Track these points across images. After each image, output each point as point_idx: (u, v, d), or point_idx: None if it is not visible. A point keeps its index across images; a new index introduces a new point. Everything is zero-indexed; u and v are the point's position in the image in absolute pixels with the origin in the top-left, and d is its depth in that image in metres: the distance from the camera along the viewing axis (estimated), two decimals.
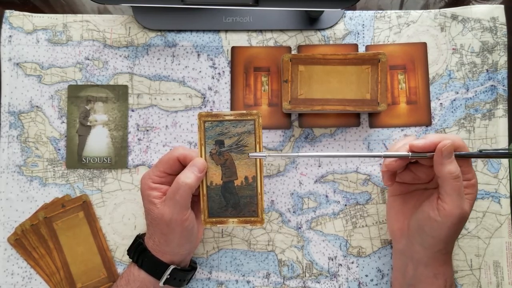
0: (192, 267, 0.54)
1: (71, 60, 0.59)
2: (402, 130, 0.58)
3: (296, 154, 0.49)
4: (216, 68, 0.59)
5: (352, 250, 0.57)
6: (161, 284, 0.50)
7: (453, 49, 0.58)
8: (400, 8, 0.61)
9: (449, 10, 0.59)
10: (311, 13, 0.57)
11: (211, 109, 0.59)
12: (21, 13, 0.59)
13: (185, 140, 0.58)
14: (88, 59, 0.59)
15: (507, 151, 0.48)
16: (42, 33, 0.59)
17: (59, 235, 0.57)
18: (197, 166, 0.48)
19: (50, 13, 0.60)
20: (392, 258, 0.55)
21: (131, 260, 0.52)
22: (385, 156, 0.48)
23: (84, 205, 0.57)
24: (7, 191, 0.57)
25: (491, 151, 0.48)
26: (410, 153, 0.48)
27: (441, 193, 0.46)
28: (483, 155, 0.47)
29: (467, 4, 0.60)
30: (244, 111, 0.49)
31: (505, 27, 0.58)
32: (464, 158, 0.47)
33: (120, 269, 0.57)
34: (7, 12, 0.59)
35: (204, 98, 0.59)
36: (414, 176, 0.51)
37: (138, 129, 0.58)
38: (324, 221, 0.57)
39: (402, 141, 0.52)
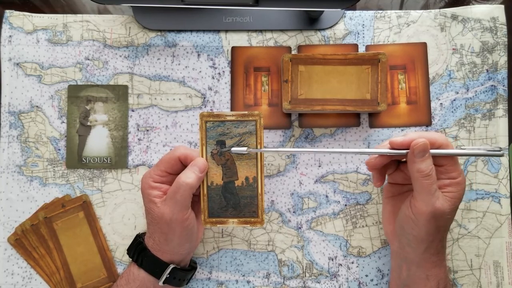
0: (192, 267, 0.54)
1: (71, 60, 0.59)
2: (402, 130, 0.58)
3: (280, 149, 0.49)
4: (216, 68, 0.59)
5: (352, 250, 0.57)
6: (160, 283, 0.50)
7: (453, 49, 0.58)
8: (400, 8, 0.61)
9: (449, 10, 0.59)
10: (311, 13, 0.57)
11: (211, 109, 0.59)
12: (21, 13, 0.59)
13: (185, 140, 0.58)
14: (88, 59, 0.59)
15: (484, 149, 0.47)
16: (42, 33, 0.59)
17: (59, 235, 0.57)
18: (198, 166, 0.48)
19: (50, 13, 0.60)
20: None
21: (131, 259, 0.52)
22: (363, 153, 0.48)
23: (84, 205, 0.57)
24: (7, 191, 0.57)
25: (468, 148, 0.47)
26: (387, 150, 0.48)
27: (413, 191, 0.47)
28: (458, 153, 0.46)
29: (467, 4, 0.60)
30: (246, 112, 0.48)
31: (505, 27, 0.58)
32: (448, 156, 0.46)
33: (120, 269, 0.57)
34: (7, 12, 0.59)
35: (204, 98, 0.59)
36: (405, 176, 0.51)
37: (138, 129, 0.58)
38: (324, 221, 0.57)
39: (387, 140, 0.52)
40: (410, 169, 0.46)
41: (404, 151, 0.47)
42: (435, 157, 0.46)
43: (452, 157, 0.47)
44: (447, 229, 0.48)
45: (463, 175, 0.47)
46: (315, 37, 0.59)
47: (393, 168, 0.52)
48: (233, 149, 0.48)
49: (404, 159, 0.51)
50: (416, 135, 0.47)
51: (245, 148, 0.48)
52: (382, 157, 0.49)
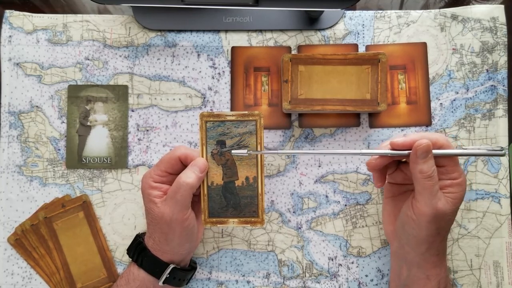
0: (192, 267, 0.54)
1: (71, 60, 0.59)
2: (402, 130, 0.58)
3: (279, 151, 0.49)
4: (216, 68, 0.59)
5: (352, 250, 0.57)
6: (160, 283, 0.50)
7: (453, 49, 0.58)
8: (400, 8, 0.61)
9: (449, 10, 0.59)
10: (311, 13, 0.57)
11: (211, 109, 0.59)
12: (21, 13, 0.59)
13: (185, 140, 0.58)
14: (88, 59, 0.59)
15: (485, 149, 0.47)
16: (42, 33, 0.59)
17: (59, 235, 0.57)
18: (198, 166, 0.48)
19: (50, 13, 0.60)
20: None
21: (131, 259, 0.52)
22: (365, 154, 0.48)
23: (84, 205, 0.57)
24: (7, 191, 0.57)
25: (470, 148, 0.47)
26: (389, 151, 0.47)
27: (415, 192, 0.46)
28: (461, 153, 0.46)
29: (467, 4, 0.60)
30: (246, 112, 0.48)
31: (505, 27, 0.58)
32: (448, 156, 0.46)
33: (120, 269, 0.57)
34: (7, 12, 0.59)
35: (204, 98, 0.59)
36: (405, 176, 0.51)
37: (138, 129, 0.58)
38: (324, 221, 0.57)
39: (388, 140, 0.52)
40: (412, 170, 0.46)
41: (406, 152, 0.47)
42: (436, 157, 0.46)
43: (453, 157, 0.47)
44: (448, 230, 0.48)
45: (464, 176, 0.47)
46: (315, 37, 0.59)
47: (393, 168, 0.52)
48: (233, 151, 0.48)
49: (405, 159, 0.51)
50: (417, 135, 0.47)
51: (245, 150, 0.48)
52: (383, 158, 0.49)
